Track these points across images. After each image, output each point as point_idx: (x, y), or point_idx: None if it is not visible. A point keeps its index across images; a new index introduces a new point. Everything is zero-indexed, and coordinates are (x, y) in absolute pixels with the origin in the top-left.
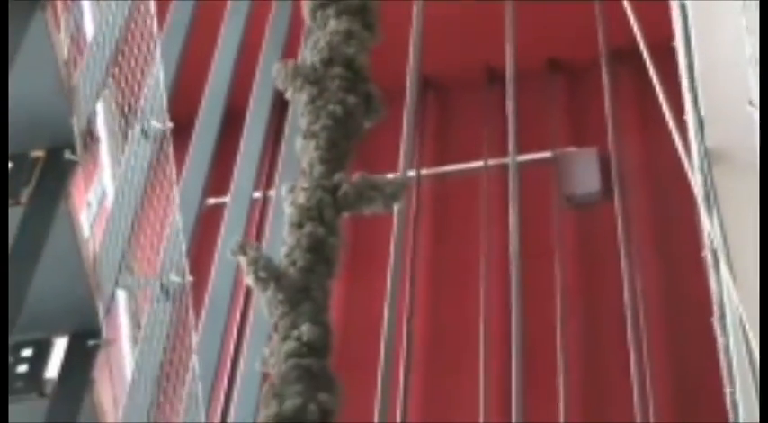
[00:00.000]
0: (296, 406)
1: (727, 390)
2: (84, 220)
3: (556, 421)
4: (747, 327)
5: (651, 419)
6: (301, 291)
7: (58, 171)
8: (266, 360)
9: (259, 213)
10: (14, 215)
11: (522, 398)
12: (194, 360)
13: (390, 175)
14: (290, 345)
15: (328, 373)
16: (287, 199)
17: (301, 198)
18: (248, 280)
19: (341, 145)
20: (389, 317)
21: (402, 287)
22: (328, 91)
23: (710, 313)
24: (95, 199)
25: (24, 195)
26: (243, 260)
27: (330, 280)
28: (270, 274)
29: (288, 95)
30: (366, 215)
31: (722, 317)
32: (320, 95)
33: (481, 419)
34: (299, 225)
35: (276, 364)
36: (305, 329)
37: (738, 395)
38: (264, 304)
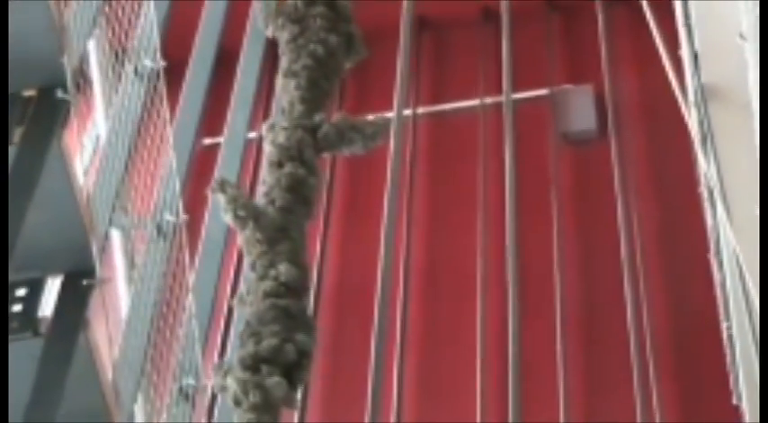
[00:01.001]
0: (272, 346)
1: (724, 324)
2: (79, 161)
3: (552, 356)
4: (742, 262)
5: (648, 354)
6: (280, 230)
7: (50, 110)
8: (243, 298)
9: (255, 153)
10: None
11: (518, 333)
12: (190, 299)
13: (386, 114)
14: (268, 284)
15: (305, 314)
16: (267, 137)
17: (281, 137)
18: (227, 218)
19: (321, 85)
20: (385, 257)
21: (399, 227)
22: (310, 30)
23: (707, 249)
24: (90, 142)
25: (16, 135)
26: (222, 198)
27: (308, 220)
28: (248, 212)
29: (269, 33)
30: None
31: (718, 252)
32: (301, 34)
33: (479, 355)
34: (279, 164)
35: (253, 302)
36: (282, 269)
37: (735, 330)
38: (243, 243)
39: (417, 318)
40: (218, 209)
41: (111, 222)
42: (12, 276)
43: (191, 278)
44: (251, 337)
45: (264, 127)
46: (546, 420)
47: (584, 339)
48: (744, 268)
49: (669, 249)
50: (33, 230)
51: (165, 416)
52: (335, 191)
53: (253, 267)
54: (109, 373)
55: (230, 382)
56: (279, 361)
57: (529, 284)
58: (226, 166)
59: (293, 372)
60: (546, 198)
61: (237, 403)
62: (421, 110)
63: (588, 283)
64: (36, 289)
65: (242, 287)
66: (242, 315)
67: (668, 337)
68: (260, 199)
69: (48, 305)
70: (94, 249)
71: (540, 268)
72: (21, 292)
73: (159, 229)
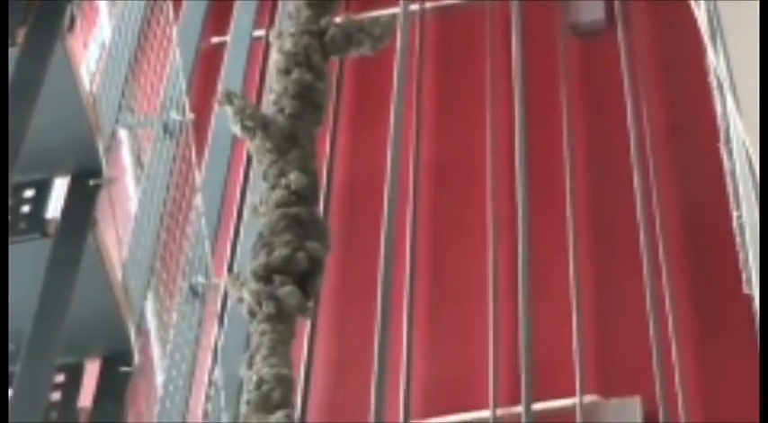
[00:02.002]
0: (284, 255)
1: (734, 214)
2: (84, 65)
3: (562, 248)
4: (752, 153)
5: (659, 245)
6: (289, 139)
7: (53, 8)
8: (256, 208)
9: (262, 52)
10: (11, 56)
11: (527, 226)
12: (199, 197)
13: (392, 10)
14: (279, 193)
15: (317, 221)
16: (274, 45)
17: (288, 44)
18: (235, 129)
19: None
20: (393, 153)
21: (407, 124)
22: None
23: (717, 139)
24: (96, 47)
25: (20, 35)
26: (229, 109)
27: (318, 126)
28: (256, 122)
29: None
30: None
31: (728, 142)
32: None
33: (490, 248)
34: (287, 71)
35: (265, 212)
36: (293, 178)
37: (744, 218)
38: (253, 153)
39: (427, 213)
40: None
41: (117, 122)
42: (18, 178)
43: (199, 176)
44: (263, 248)
45: (272, 35)
46: (557, 311)
47: (593, 231)
48: (753, 159)
49: (679, 140)
50: (39, 131)
51: (175, 314)
52: (344, 92)
53: (264, 177)
54: (118, 273)
55: (245, 294)
56: (291, 270)
57: (538, 177)
58: (232, 65)
59: (306, 280)
60: (555, 90)
61: (252, 314)
62: (428, 4)
63: (598, 174)
64: (43, 190)
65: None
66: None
67: (678, 227)
68: (268, 107)
69: (56, 206)
70: (101, 149)
71: (550, 161)
72: (28, 193)
73: (166, 127)
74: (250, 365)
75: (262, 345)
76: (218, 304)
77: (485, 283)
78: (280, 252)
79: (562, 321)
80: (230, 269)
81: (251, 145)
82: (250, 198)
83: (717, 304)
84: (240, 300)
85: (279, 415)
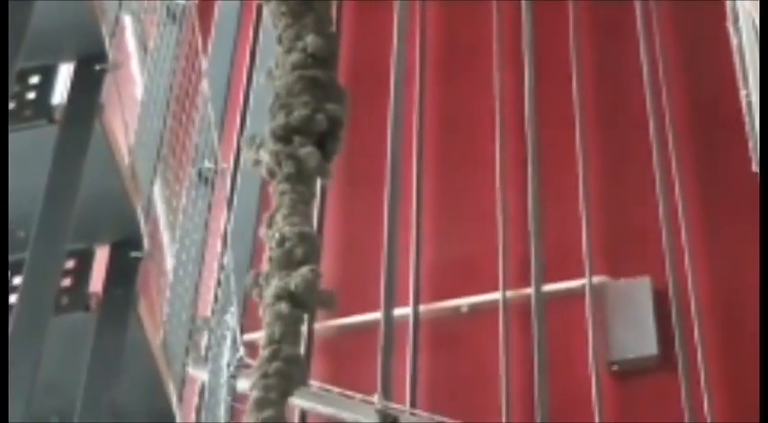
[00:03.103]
0: (303, 116)
1: (743, 92)
2: None
3: (571, 124)
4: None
5: (668, 126)
6: (303, 2)
7: None
8: (271, 72)
9: None
10: None
11: (535, 115)
12: (205, 84)
13: None
14: (295, 56)
15: (335, 83)
16: None
17: None
18: None
19: None
20: (399, 32)
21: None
22: None
23: (725, 17)
24: None
25: None
26: None
27: None
28: None
29: None
30: None
31: (736, 21)
32: None
33: (497, 136)
34: None
35: (281, 76)
36: (309, 40)
37: (753, 97)
38: (269, 15)
39: (434, 95)
40: None
41: (121, 7)
42: (23, 64)
43: (204, 62)
44: (281, 109)
45: None
46: (565, 193)
47: (601, 112)
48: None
49: (686, 17)
50: (43, 16)
51: (183, 199)
52: None
53: (279, 41)
54: (126, 158)
55: (263, 155)
56: (311, 130)
57: (545, 54)
58: None
59: (326, 141)
60: None
61: (271, 175)
62: None
63: (605, 52)
64: (48, 76)
65: (269, 64)
66: (259, 96)
67: (686, 107)
68: None
69: (61, 92)
70: (105, 34)
71: (556, 36)
72: (33, 79)
73: (169, 11)
74: (270, 225)
75: (282, 204)
76: (227, 189)
77: (493, 167)
78: (299, 112)
79: (571, 203)
80: (238, 155)
81: (266, 8)
82: (257, 78)
83: (725, 183)
84: (256, 162)
85: (304, 270)
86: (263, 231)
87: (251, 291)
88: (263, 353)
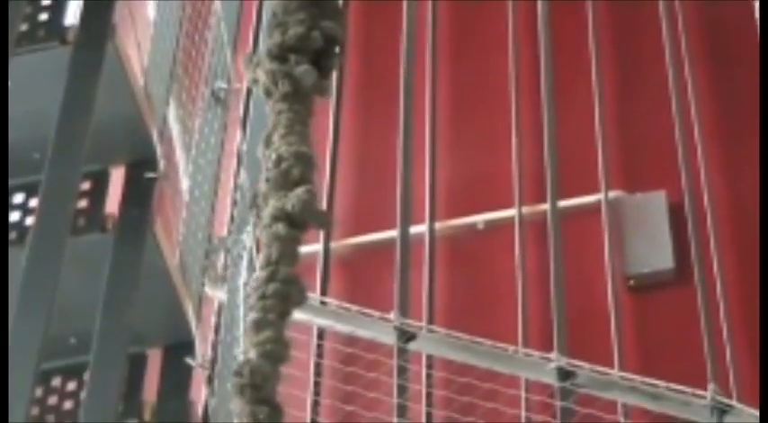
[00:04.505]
0: (299, 34)
1: (756, 3)
2: None
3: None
4: None
5: (682, 36)
6: None
7: None
8: None
9: None
10: None
11: (549, 18)
12: (217, 3)
13: None
14: None
15: (331, 1)
16: None
17: None
18: None
19: None
20: None
21: None
22: None
23: None
24: None
25: None
26: None
27: None
28: None
29: None
30: None
31: None
32: None
33: (511, 44)
34: None
35: None
36: None
37: None
38: None
39: (448, 18)
40: None
41: None
42: None
43: None
44: (277, 28)
45: None
46: (581, 108)
47: (617, 25)
48: None
49: None
50: None
51: (198, 120)
52: None
53: None
54: (140, 80)
55: (260, 74)
56: (306, 49)
57: None
58: None
59: (322, 59)
60: None
61: (268, 94)
62: None
63: None
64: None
65: None
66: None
67: (700, 20)
68: None
69: (74, 13)
70: None
71: None
72: (45, 0)
73: None
74: (268, 144)
75: (279, 123)
76: (241, 109)
77: (507, 82)
78: (294, 31)
79: (586, 118)
80: None
81: None
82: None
83: (741, 96)
84: (254, 81)
85: (299, 191)
86: (260, 151)
87: (250, 212)
88: (261, 274)
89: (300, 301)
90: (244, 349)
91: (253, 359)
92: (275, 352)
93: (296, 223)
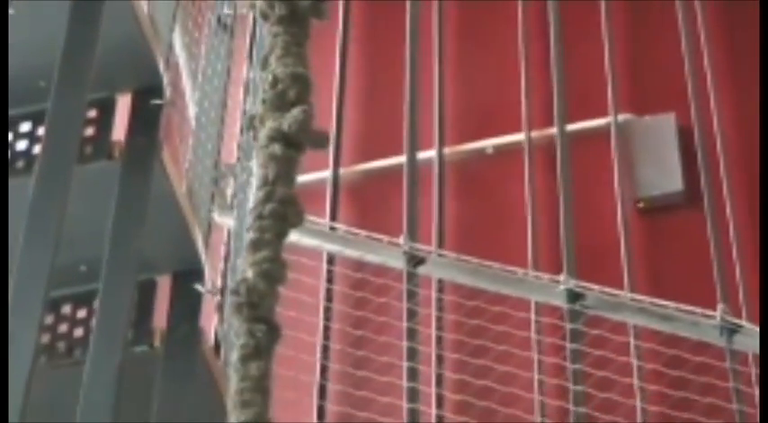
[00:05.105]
0: None
1: None
2: None
3: None
4: None
5: None
6: None
7: None
8: None
9: None
10: None
11: None
12: None
13: None
14: None
15: None
16: None
17: None
18: None
19: None
20: None
21: None
22: None
23: None
24: None
25: None
26: None
27: None
28: None
29: None
30: None
31: None
32: None
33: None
34: None
35: None
36: None
37: None
38: None
39: None
40: None
41: None
42: None
43: None
44: None
45: None
46: (589, 30)
47: None
48: None
49: None
50: None
51: (203, 46)
52: None
53: None
54: (144, 5)
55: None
56: None
57: None
58: None
59: None
60: None
61: (265, 17)
62: None
63: None
64: None
65: None
66: None
67: None
68: None
69: None
70: None
71: None
72: None
73: None
74: (264, 67)
75: (275, 46)
76: (247, 37)
77: (515, 6)
78: None
79: (594, 41)
80: None
81: None
82: None
83: (751, 17)
84: (252, 5)
85: (295, 112)
86: (258, 74)
87: (247, 134)
88: (258, 194)
89: (297, 222)
90: (241, 269)
91: (250, 278)
92: (272, 271)
93: (292, 143)
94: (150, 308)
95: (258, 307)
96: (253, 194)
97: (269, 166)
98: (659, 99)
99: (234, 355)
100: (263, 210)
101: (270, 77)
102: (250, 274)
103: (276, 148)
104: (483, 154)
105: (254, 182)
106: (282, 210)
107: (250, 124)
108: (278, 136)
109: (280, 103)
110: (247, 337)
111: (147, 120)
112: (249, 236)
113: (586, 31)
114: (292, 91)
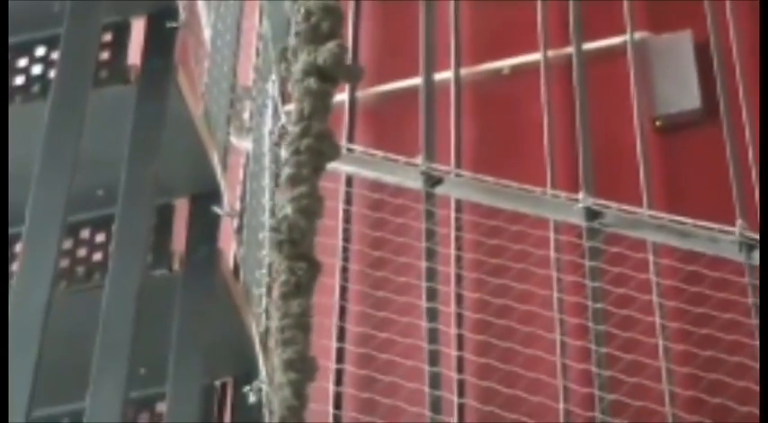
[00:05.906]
0: None
1: None
2: None
3: None
4: None
5: None
6: None
7: None
8: None
9: None
10: None
11: None
12: None
13: None
14: None
15: None
16: None
17: None
18: None
19: None
20: None
21: None
22: None
23: None
24: None
25: None
26: None
27: None
28: None
29: None
30: None
31: None
32: None
33: None
34: None
35: None
36: None
37: None
38: None
39: None
40: None
41: None
42: None
43: None
44: None
45: None
46: None
47: None
48: None
49: None
50: None
51: None
52: None
53: None
54: None
55: None
56: None
57: None
58: None
59: None
60: None
61: None
62: None
63: None
64: None
65: None
66: None
67: None
68: None
69: None
70: None
71: None
72: None
73: None
74: None
75: None
76: None
77: None
78: None
79: None
80: None
81: None
82: None
83: None
84: None
85: (331, 45)
86: (288, 5)
87: (279, 66)
88: (294, 129)
89: (334, 156)
90: (279, 205)
91: (290, 215)
92: (310, 206)
93: (327, 77)
94: (169, 231)
95: (299, 244)
96: (270, 118)
97: (304, 100)
98: (676, 16)
99: (274, 293)
100: (299, 144)
101: (302, 10)
102: (289, 210)
103: (311, 82)
104: (500, 74)
105: (271, 105)
106: (318, 145)
107: (282, 56)
108: (312, 70)
109: (313, 36)
110: (288, 274)
111: (162, 43)
112: (286, 170)
113: None
114: (325, 23)
